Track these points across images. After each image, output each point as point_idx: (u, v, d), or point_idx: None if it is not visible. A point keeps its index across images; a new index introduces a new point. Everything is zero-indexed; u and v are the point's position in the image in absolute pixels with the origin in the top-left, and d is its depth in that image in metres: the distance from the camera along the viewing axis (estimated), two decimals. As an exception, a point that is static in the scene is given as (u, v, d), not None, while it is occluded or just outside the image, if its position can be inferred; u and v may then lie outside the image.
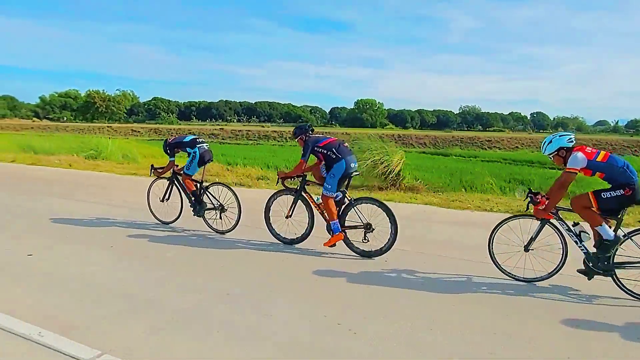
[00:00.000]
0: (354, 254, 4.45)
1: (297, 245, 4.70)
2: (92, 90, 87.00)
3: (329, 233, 4.50)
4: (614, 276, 3.54)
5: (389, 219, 4.30)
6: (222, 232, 5.16)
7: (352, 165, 4.47)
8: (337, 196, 4.45)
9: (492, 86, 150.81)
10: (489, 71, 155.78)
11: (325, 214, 4.48)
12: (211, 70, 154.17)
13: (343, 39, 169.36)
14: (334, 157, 4.40)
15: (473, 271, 4.03)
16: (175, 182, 5.51)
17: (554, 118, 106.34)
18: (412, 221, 5.73)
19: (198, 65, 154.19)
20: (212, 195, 5.25)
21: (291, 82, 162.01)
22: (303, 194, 4.68)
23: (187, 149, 5.30)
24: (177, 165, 5.48)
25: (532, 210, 3.74)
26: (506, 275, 3.87)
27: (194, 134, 5.66)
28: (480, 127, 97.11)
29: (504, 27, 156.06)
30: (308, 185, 4.72)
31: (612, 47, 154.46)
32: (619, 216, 3.53)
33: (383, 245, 4.33)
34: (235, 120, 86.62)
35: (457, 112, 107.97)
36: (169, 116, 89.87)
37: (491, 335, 2.83)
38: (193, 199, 5.29)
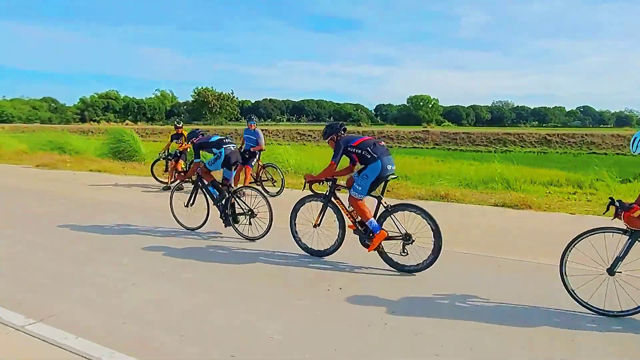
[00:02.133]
0: (391, 268, 4.24)
1: (326, 258, 4.55)
2: (202, 88, 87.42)
3: (364, 245, 4.33)
4: None
5: (432, 229, 4.04)
6: (252, 239, 5.17)
7: (389, 167, 4.27)
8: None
9: (505, 82, 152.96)
10: (503, 66, 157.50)
11: (358, 216, 4.33)
12: (222, 70, 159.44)
13: (354, 37, 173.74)
14: (369, 157, 4.24)
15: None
16: (200, 185, 5.63)
17: (614, 112, 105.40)
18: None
19: (208, 66, 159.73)
20: (241, 200, 5.31)
21: (302, 81, 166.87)
22: (333, 199, 4.53)
23: (213, 150, 5.43)
24: (201, 167, 5.58)
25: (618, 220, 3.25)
26: (581, 305, 3.34)
27: (220, 135, 5.75)
28: (537, 122, 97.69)
29: (517, 22, 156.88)
30: (338, 190, 4.57)
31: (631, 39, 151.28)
32: None
33: (424, 259, 4.09)
34: (285, 120, 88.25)
35: (511, 107, 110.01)
36: (217, 116, 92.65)
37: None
38: (215, 196, 5.41)
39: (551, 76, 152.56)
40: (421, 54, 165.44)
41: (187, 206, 5.64)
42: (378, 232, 4.20)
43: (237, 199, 5.35)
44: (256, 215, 5.21)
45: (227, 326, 3.10)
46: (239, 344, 2.84)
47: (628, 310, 3.20)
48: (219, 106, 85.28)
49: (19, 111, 76.47)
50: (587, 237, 3.39)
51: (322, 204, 4.59)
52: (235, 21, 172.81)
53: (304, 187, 4.74)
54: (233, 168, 5.50)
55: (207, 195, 5.59)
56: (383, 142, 4.47)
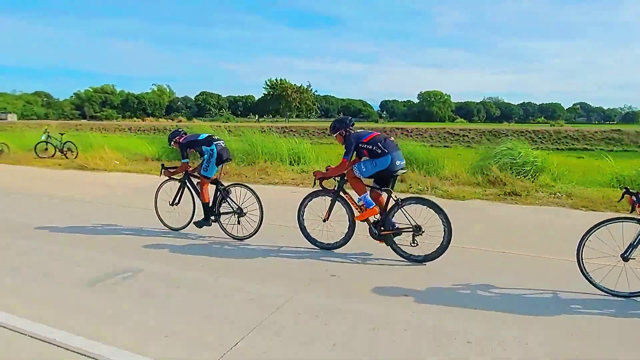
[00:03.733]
0: (402, 258, 4.62)
1: (336, 251, 4.90)
2: (278, 80, 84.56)
3: (373, 237, 4.75)
4: None
5: (442, 221, 4.41)
6: (240, 239, 5.31)
7: (398, 162, 4.61)
8: (380, 194, 4.71)
9: (483, 80, 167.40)
10: (479, 65, 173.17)
11: (355, 190, 4.74)
12: (199, 65, 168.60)
13: (333, 34, 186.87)
14: (380, 152, 4.56)
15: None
16: (188, 184, 5.66)
17: (622, 108, 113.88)
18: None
19: (185, 60, 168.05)
20: (230, 198, 5.36)
21: (280, 77, 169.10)
22: (342, 194, 4.88)
23: (203, 148, 5.39)
24: (190, 166, 5.63)
25: (635, 211, 3.67)
26: (598, 289, 3.80)
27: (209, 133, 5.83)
28: (544, 118, 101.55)
29: (493, 21, 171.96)
30: (347, 184, 4.90)
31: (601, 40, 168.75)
32: None
33: (434, 249, 4.49)
34: (294, 116, 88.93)
35: (517, 104, 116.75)
36: (222, 112, 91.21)
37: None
38: (206, 211, 5.40)
39: (527, 75, 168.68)
40: (400, 52, 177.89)
41: (172, 205, 5.67)
42: (371, 207, 4.65)
43: (225, 196, 5.38)
44: (245, 214, 5.29)
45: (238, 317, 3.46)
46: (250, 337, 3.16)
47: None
48: (298, 100, 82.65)
49: (12, 106, 77.21)
50: (604, 226, 3.78)
51: (330, 199, 4.93)
52: (212, 16, 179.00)
53: (313, 184, 5.03)
54: (222, 165, 5.49)
55: (194, 194, 5.63)
56: (393, 138, 4.81)
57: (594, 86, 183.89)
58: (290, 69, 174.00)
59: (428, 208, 4.50)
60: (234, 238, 5.37)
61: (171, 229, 5.74)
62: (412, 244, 4.55)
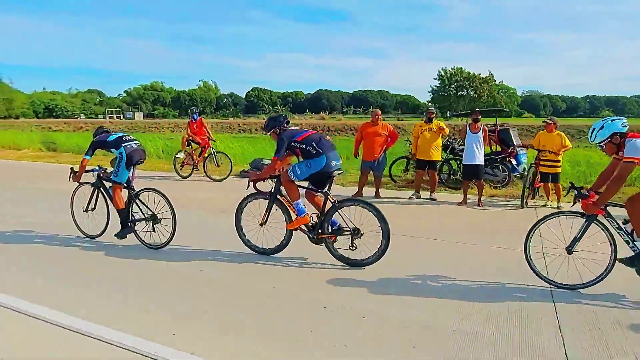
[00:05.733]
0: (340, 262, 4.72)
1: (274, 256, 5.03)
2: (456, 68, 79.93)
3: (312, 241, 4.87)
4: None
5: (380, 224, 4.48)
6: (156, 247, 5.27)
7: (334, 163, 4.68)
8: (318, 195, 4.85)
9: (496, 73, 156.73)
10: (491, 58, 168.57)
11: (287, 196, 4.84)
12: (210, 63, 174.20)
13: (343, 29, 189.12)
14: (314, 152, 4.66)
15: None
16: (101, 188, 5.59)
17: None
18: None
19: (196, 58, 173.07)
20: (142, 204, 5.34)
21: (291, 74, 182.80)
22: (279, 197, 5.00)
23: (112, 150, 5.37)
24: (105, 169, 5.62)
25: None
26: (544, 281, 4.13)
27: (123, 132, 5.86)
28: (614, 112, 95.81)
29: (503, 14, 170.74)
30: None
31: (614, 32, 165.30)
32: None
33: (372, 253, 4.56)
34: (351, 112, 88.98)
35: (581, 97, 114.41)
36: (276, 108, 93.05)
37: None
38: (122, 218, 5.37)
39: (542, 67, 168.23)
40: (410, 46, 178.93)
41: (86, 211, 5.60)
42: (302, 215, 4.75)
43: (138, 202, 5.34)
44: (160, 220, 5.27)
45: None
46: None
47: (585, 283, 3.98)
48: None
49: (71, 105, 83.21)
50: (549, 220, 4.16)
51: (267, 202, 5.04)
52: (223, 13, 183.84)
53: (247, 187, 5.11)
54: (133, 168, 5.42)
55: (108, 199, 5.56)
56: (329, 138, 4.86)
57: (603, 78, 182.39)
58: (300, 65, 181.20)
59: (367, 210, 4.56)
60: (149, 247, 5.33)
61: (89, 237, 5.69)
62: (351, 248, 4.61)
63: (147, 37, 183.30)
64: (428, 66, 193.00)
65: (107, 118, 70.67)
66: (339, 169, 4.76)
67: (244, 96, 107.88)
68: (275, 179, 5.00)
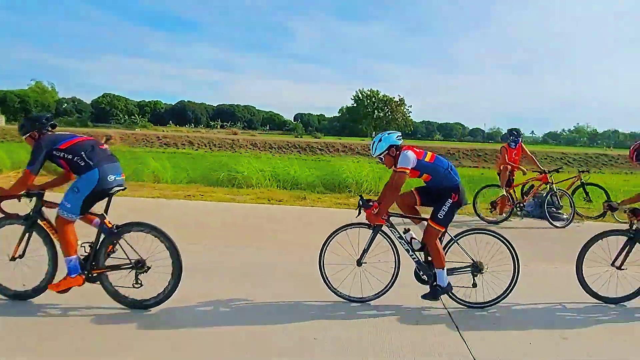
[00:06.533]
0: (121, 305, 3.81)
1: (33, 300, 3.83)
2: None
3: (86, 279, 3.78)
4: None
5: (168, 248, 3.72)
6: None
7: (112, 177, 3.72)
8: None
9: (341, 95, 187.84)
10: (339, 81, 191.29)
11: (61, 246, 3.73)
12: (27, 60, 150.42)
13: (192, 39, 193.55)
14: (83, 164, 3.63)
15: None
16: (40, 222, 3.86)
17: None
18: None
19: (11, 54, 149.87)
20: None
21: (131, 80, 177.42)
22: (39, 221, 3.82)
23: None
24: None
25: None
26: (338, 296, 4.15)
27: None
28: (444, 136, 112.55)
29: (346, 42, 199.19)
30: (50, 207, 3.82)
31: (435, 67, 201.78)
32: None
33: (163, 289, 3.76)
34: (219, 127, 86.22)
35: (419, 121, 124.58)
36: (134, 118, 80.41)
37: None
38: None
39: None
40: (259, 63, 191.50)
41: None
42: (75, 275, 3.70)
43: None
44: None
45: None
46: None
47: (374, 295, 4.12)
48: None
49: None
50: (342, 231, 4.18)
51: (23, 227, 3.82)
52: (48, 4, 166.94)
53: None
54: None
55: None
56: (106, 146, 3.85)
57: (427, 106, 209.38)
58: (141, 71, 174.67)
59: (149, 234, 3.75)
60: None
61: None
62: (135, 285, 3.72)
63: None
64: (286, 84, 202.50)
65: None
66: (120, 185, 3.78)
67: (89, 102, 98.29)
68: (35, 197, 3.79)
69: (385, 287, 4.13)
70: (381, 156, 4.09)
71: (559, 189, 8.30)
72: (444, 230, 4.02)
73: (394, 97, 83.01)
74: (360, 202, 4.12)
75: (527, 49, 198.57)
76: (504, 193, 8.13)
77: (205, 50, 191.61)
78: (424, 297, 4.01)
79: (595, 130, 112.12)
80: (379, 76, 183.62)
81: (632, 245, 4.44)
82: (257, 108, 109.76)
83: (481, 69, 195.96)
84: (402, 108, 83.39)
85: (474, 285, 4.08)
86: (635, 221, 4.44)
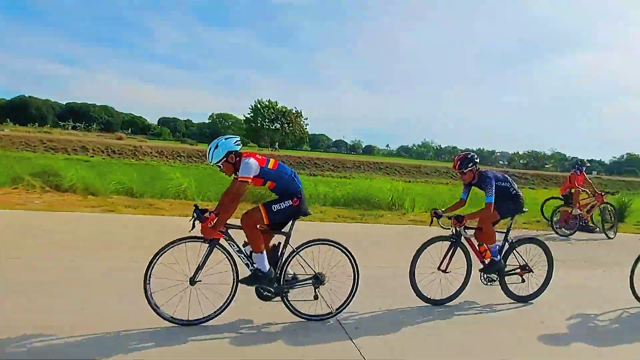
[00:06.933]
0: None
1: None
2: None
3: None
4: (285, 298, 4.12)
5: None
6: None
7: None
8: None
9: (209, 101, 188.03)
10: (199, 86, 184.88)
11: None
12: None
13: (28, 24, 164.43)
14: None
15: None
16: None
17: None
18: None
19: None
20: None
21: None
22: None
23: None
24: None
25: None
26: (166, 320, 3.80)
27: None
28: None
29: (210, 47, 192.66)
30: None
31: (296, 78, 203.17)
32: (288, 230, 4.10)
33: None
34: (70, 127, 77.62)
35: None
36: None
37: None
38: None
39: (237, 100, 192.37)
40: (117, 62, 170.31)
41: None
42: None
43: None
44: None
45: None
46: None
47: (206, 317, 3.84)
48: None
49: None
50: (173, 247, 3.81)
51: None
52: None
53: None
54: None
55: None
56: None
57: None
58: None
59: None
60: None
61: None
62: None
63: None
64: (148, 87, 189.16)
65: None
66: None
67: None
68: None
69: (221, 306, 3.91)
70: (219, 164, 3.86)
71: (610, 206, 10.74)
72: (267, 223, 3.97)
73: (292, 109, 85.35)
74: (195, 213, 3.78)
75: (378, 69, 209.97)
76: (576, 210, 10.12)
77: (46, 40, 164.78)
78: (242, 281, 3.95)
79: (440, 145, 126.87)
80: (244, 84, 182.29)
81: (455, 249, 4.88)
82: (115, 109, 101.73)
83: (339, 84, 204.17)
84: (299, 120, 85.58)
85: (315, 297, 4.13)
86: (459, 227, 4.87)
